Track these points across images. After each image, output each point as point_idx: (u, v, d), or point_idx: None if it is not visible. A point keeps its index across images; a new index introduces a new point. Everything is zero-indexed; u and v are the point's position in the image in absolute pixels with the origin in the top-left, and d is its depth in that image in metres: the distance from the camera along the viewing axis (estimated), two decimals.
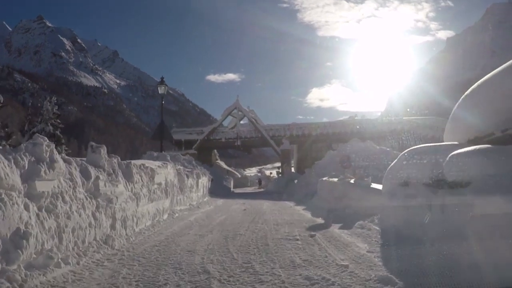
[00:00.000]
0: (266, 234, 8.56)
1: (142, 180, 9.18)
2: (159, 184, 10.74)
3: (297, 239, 7.79)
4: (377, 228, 8.77)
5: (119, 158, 8.46)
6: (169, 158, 13.51)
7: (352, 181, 15.03)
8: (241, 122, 51.91)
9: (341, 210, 13.09)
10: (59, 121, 43.09)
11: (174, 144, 54.08)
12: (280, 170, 53.03)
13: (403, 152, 9.44)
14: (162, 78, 16.82)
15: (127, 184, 8.34)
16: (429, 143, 11.00)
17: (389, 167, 9.67)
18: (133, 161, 9.44)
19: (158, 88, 17.13)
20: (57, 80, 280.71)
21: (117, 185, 7.55)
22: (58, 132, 42.70)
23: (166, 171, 11.52)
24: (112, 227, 7.25)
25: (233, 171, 58.53)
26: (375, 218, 9.92)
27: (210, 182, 25.58)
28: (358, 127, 44.49)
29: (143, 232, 8.53)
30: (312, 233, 8.67)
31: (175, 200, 12.86)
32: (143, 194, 9.16)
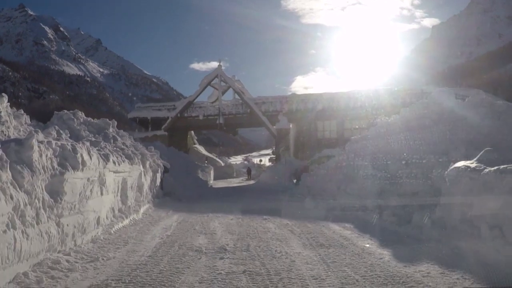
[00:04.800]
0: None
1: None
2: None
3: None
4: None
5: None
6: None
7: None
8: (226, 102, 37.97)
9: None
10: None
11: (138, 123, 40.28)
12: (274, 156, 39.72)
13: None
14: None
15: None
16: None
17: None
18: None
19: None
20: (39, 69, 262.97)
21: None
22: None
23: None
24: None
25: (214, 157, 44.77)
26: None
27: (157, 174, 11.91)
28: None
29: None
30: None
31: None
32: None
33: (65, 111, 9.99)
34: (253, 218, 9.28)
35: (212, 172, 32.65)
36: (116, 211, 7.95)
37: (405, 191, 10.72)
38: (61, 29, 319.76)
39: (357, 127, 33.02)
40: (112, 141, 9.39)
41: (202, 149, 43.05)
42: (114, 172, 7.76)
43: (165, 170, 14.13)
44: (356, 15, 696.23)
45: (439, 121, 12.67)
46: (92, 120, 10.51)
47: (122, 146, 9.39)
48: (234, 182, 33.03)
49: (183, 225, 8.26)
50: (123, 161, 8.31)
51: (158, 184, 12.90)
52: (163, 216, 9.71)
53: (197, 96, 38.02)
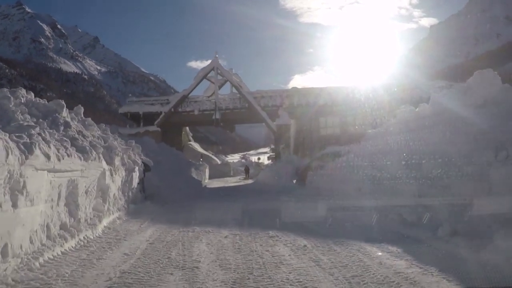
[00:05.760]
0: None
1: None
2: None
3: None
4: None
5: None
6: None
7: None
8: (223, 96, 35.12)
9: None
10: None
11: (129, 118, 37.57)
12: (273, 154, 37.11)
13: None
14: None
15: None
16: None
17: None
18: None
19: None
20: (36, 67, 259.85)
21: None
22: None
23: None
24: None
25: (210, 155, 42.15)
26: None
27: (133, 174, 9.26)
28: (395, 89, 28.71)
29: None
30: None
31: None
32: None
33: (5, 89, 7.36)
34: (255, 234, 6.68)
35: (207, 171, 30.07)
36: (55, 230, 5.32)
37: (452, 194, 8.18)
38: (59, 26, 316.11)
39: (356, 127, 30.65)
40: (62, 128, 6.78)
41: (197, 146, 40.40)
42: (50, 171, 5.13)
43: (146, 169, 11.51)
44: (354, 14, 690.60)
45: (484, 109, 10.16)
46: (40, 101, 7.88)
47: (75, 136, 6.77)
48: (231, 182, 30.45)
49: (155, 249, 5.63)
50: (69, 156, 5.68)
51: (136, 186, 10.27)
52: (133, 231, 7.08)
53: (192, 90, 35.34)
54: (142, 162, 11.20)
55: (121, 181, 8.82)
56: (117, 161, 8.40)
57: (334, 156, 21.74)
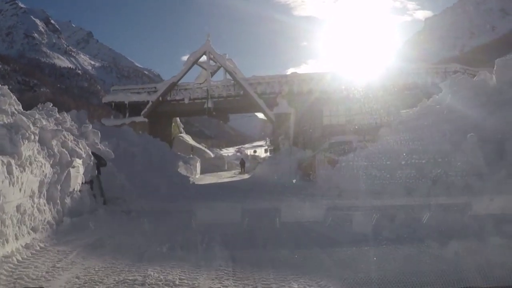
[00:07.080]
0: None
1: None
2: None
3: None
4: None
5: None
6: None
7: None
8: (216, 83, 31.38)
9: None
10: None
11: (113, 108, 33.96)
12: (272, 147, 33.65)
13: None
14: None
15: None
16: None
17: None
18: None
19: None
20: (30, 62, 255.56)
21: None
22: None
23: None
24: None
25: (202, 148, 38.60)
26: None
27: (70, 170, 5.57)
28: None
29: None
30: None
31: None
32: None
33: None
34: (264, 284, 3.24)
35: (198, 165, 26.58)
36: None
37: None
38: (52, 21, 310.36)
39: (367, 115, 27.41)
40: None
41: (189, 139, 36.84)
42: None
43: (101, 163, 8.00)
44: (348, 7, 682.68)
45: None
46: None
47: None
48: (225, 176, 26.99)
49: None
50: None
51: (78, 188, 6.78)
52: (30, 280, 3.60)
53: (182, 77, 31.74)
54: (93, 153, 7.71)
55: (41, 181, 5.36)
56: (27, 150, 4.93)
57: (343, 146, 18.30)
